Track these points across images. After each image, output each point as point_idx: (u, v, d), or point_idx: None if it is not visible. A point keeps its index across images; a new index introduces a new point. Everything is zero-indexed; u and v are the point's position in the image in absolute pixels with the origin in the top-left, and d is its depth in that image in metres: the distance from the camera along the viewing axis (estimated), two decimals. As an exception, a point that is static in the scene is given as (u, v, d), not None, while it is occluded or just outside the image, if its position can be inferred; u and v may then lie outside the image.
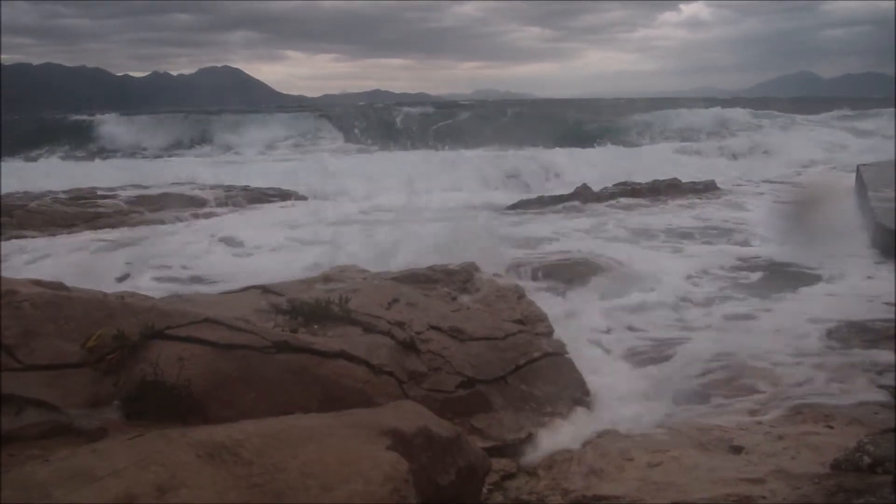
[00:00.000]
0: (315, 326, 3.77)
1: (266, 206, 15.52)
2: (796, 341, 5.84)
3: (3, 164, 20.47)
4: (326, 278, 4.81)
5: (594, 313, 6.57)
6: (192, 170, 19.44)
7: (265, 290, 4.36)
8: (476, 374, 3.84)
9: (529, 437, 3.74)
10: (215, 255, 10.23)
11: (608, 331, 6.16)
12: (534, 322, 4.43)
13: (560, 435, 3.81)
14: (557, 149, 24.05)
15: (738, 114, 33.35)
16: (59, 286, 3.55)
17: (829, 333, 6.03)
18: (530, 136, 27.27)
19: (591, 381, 4.42)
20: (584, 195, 15.99)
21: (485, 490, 3.12)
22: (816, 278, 8.30)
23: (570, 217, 13.80)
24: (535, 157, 21.12)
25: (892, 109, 31.18)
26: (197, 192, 16.10)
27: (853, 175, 14.50)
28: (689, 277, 8.23)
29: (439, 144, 28.12)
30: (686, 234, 11.35)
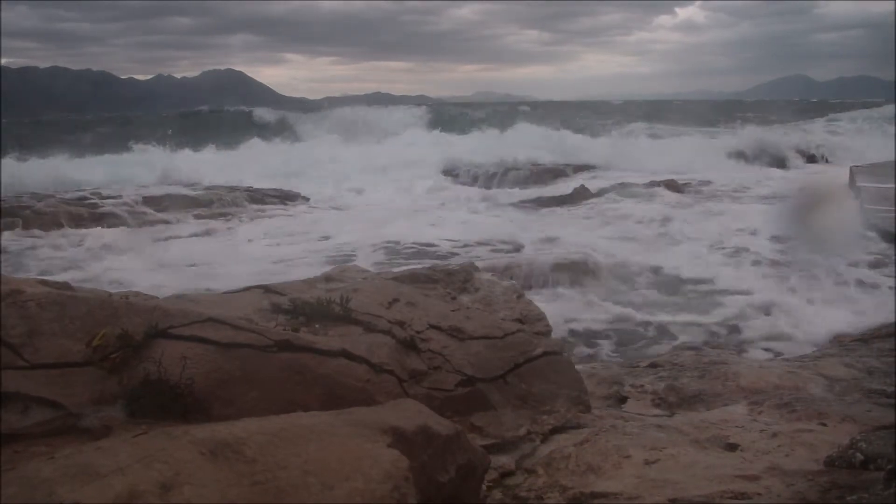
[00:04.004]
0: (316, 326, 3.80)
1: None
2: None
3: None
4: (328, 278, 4.84)
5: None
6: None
7: (267, 289, 4.39)
8: (475, 373, 3.87)
9: (528, 435, 3.77)
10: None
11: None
12: (532, 321, 4.45)
13: (558, 433, 3.84)
14: None
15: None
16: (65, 286, 3.58)
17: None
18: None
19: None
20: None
21: (484, 487, 3.14)
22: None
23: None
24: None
25: None
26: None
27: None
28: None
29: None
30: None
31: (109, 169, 19.45)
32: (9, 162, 20.29)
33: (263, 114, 35.61)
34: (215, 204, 15.81)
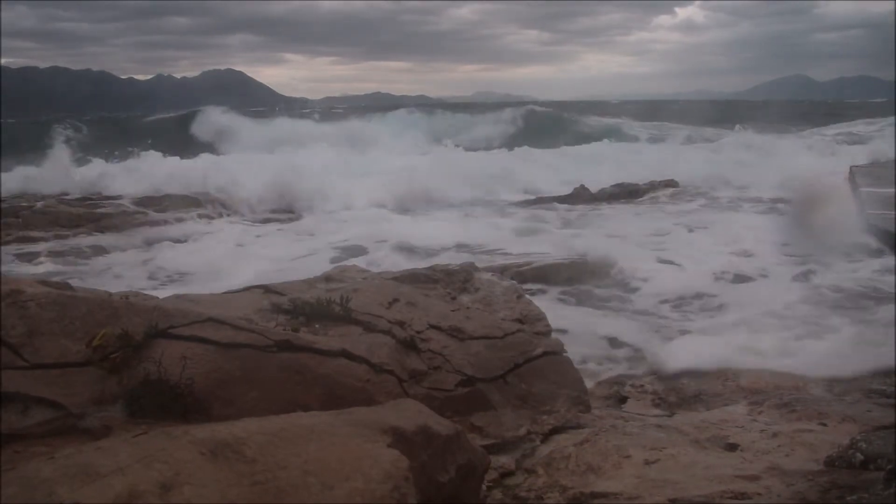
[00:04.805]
0: (316, 326, 3.80)
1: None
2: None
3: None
4: (328, 278, 4.84)
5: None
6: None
7: (267, 289, 4.39)
8: (475, 373, 3.87)
9: (528, 435, 3.78)
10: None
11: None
12: (532, 321, 4.45)
13: (558, 433, 3.84)
14: None
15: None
16: (65, 286, 3.59)
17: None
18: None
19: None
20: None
21: (484, 487, 3.15)
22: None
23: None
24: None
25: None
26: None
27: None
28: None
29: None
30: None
31: (106, 170, 19.22)
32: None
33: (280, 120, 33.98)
34: (217, 205, 15.78)
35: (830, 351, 5.47)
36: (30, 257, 11.52)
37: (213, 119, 28.77)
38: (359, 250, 11.09)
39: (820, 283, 8.16)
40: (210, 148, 24.91)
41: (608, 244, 10.69)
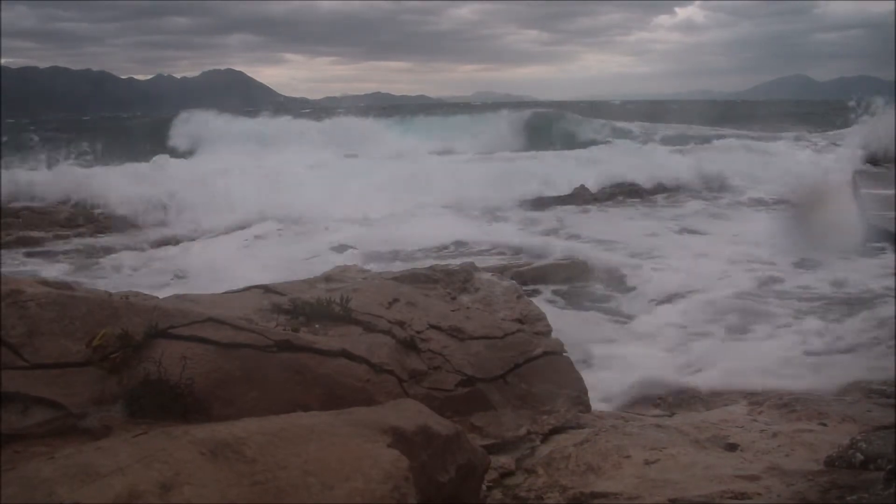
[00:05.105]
0: (316, 326, 3.80)
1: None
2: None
3: None
4: (328, 278, 4.83)
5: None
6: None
7: (267, 289, 4.38)
8: (475, 373, 3.87)
9: (528, 435, 3.77)
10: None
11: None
12: (532, 321, 4.45)
13: (558, 433, 3.84)
14: None
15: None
16: (65, 286, 3.58)
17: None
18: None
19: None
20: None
21: (484, 487, 3.15)
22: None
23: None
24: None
25: None
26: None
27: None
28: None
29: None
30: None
31: (104, 174, 18.92)
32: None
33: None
34: (213, 206, 15.72)
35: (819, 360, 5.49)
36: (30, 257, 11.56)
37: (198, 121, 28.18)
38: (357, 251, 11.08)
39: (818, 285, 8.17)
40: (204, 149, 24.56)
41: (605, 245, 10.71)
